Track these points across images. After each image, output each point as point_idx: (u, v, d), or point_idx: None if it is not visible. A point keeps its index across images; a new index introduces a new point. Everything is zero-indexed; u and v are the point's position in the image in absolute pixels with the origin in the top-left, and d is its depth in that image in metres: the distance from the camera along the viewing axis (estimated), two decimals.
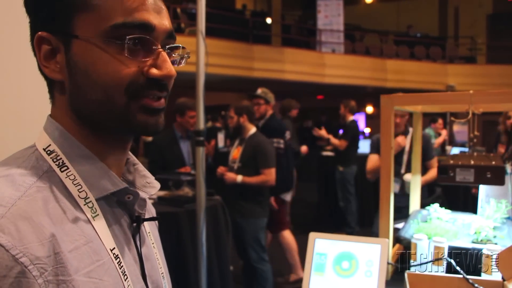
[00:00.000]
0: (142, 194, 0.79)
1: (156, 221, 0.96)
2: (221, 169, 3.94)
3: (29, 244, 0.60)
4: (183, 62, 0.79)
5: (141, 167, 0.85)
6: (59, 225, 0.65)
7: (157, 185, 0.84)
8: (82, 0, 0.69)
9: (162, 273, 0.85)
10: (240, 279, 4.13)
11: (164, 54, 0.73)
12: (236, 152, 4.00)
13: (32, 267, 0.60)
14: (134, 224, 0.79)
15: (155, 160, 4.21)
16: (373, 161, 3.89)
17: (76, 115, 0.74)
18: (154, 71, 0.71)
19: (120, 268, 0.71)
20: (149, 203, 0.94)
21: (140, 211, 0.79)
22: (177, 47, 0.77)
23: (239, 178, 3.81)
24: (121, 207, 0.77)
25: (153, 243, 0.86)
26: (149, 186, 0.83)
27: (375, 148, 3.87)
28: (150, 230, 0.88)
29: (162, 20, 0.73)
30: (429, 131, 5.72)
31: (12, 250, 0.59)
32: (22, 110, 1.43)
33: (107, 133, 0.75)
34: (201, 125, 3.08)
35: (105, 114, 0.72)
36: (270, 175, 3.86)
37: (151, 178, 0.85)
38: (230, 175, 3.84)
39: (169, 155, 4.15)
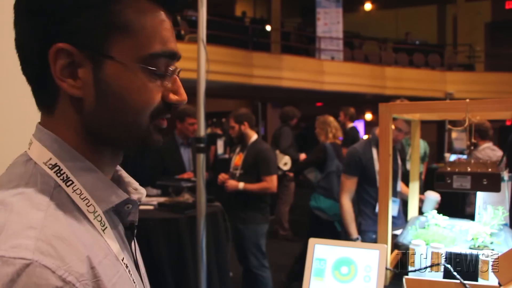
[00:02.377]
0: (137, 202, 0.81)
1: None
2: (222, 176, 3.96)
3: (71, 262, 0.60)
4: None
5: (124, 173, 0.85)
6: (83, 241, 0.65)
7: (143, 191, 0.84)
8: (123, 22, 0.68)
9: (143, 273, 0.86)
10: (239, 286, 4.14)
11: (178, 79, 0.76)
12: (237, 159, 4.02)
13: (79, 284, 0.60)
14: (129, 231, 0.81)
15: (155, 166, 4.22)
16: (350, 188, 3.22)
17: (88, 131, 0.72)
18: (174, 97, 0.75)
19: (131, 277, 0.73)
20: None
21: (133, 219, 0.81)
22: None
23: (241, 185, 3.83)
24: (116, 215, 0.78)
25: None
26: (137, 193, 0.83)
27: (353, 167, 3.21)
28: None
29: (176, 45, 0.75)
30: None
31: (58, 271, 0.59)
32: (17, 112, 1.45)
33: (115, 149, 0.77)
34: (202, 131, 3.10)
35: (128, 134, 0.73)
36: (271, 182, 3.88)
37: (135, 184, 0.85)
38: (231, 183, 3.86)
39: (170, 162, 4.17)
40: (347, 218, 3.19)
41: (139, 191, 0.83)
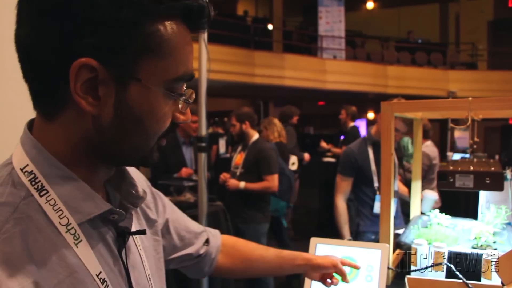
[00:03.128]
0: (128, 209, 0.78)
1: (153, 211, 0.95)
2: (224, 176, 3.96)
3: None
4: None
5: (127, 173, 0.82)
6: (40, 261, 0.62)
7: (144, 195, 0.82)
8: (156, 45, 0.66)
9: (148, 275, 0.84)
10: (241, 285, 4.14)
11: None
12: (239, 158, 4.02)
13: None
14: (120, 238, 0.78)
15: (158, 165, 4.22)
16: (345, 189, 3.17)
17: (87, 146, 0.69)
18: (181, 117, 0.74)
19: None
20: (149, 198, 0.95)
21: (126, 225, 0.77)
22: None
23: (242, 184, 3.82)
24: (105, 223, 0.74)
25: (139, 245, 0.84)
26: (134, 196, 0.80)
27: (349, 168, 3.15)
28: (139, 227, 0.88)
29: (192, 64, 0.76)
30: (407, 139, 5.70)
31: None
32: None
33: (112, 164, 0.76)
34: (203, 131, 3.10)
35: (133, 154, 0.72)
36: (272, 181, 3.88)
37: (137, 186, 0.82)
38: (232, 182, 3.86)
39: (172, 160, 4.16)
40: (340, 220, 3.16)
41: (138, 194, 0.81)
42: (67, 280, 0.64)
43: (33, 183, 0.66)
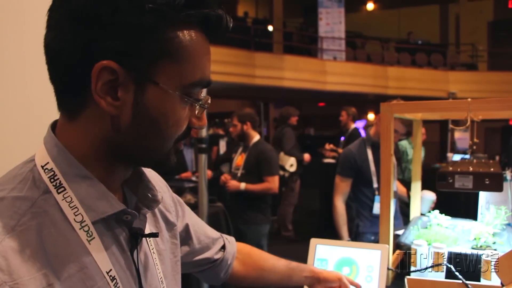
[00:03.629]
0: (143, 211, 0.80)
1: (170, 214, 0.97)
2: (224, 177, 3.96)
3: (20, 279, 0.60)
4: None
5: (146, 177, 0.85)
6: (53, 254, 0.65)
7: (159, 199, 0.84)
8: (175, 50, 0.68)
9: (160, 278, 0.85)
10: (241, 286, 4.14)
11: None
12: (239, 159, 4.02)
13: None
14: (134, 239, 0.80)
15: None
16: (344, 190, 3.18)
17: (106, 145, 0.72)
18: (197, 122, 0.77)
19: None
20: (166, 200, 0.97)
21: (139, 227, 0.79)
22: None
23: (243, 185, 3.83)
24: (119, 223, 0.76)
25: (152, 249, 0.86)
26: (150, 199, 0.83)
27: (348, 169, 3.15)
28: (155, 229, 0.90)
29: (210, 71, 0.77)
30: (405, 143, 5.70)
31: (1, 286, 0.58)
32: (30, 113, 1.46)
33: (130, 165, 0.78)
34: (203, 132, 3.11)
35: (149, 156, 0.74)
36: (273, 182, 3.88)
37: (154, 190, 0.84)
38: (233, 183, 3.86)
39: None
40: (339, 221, 3.16)
41: (154, 198, 0.83)
42: (77, 275, 0.67)
43: (52, 180, 0.69)
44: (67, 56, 0.67)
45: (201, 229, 1.15)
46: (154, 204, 0.83)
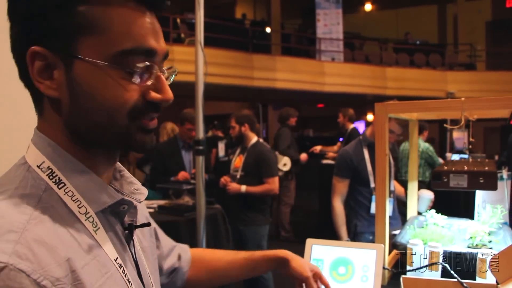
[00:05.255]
0: (133, 202, 0.81)
1: (149, 219, 0.98)
2: (224, 179, 3.96)
3: (48, 266, 0.61)
4: (171, 79, 0.80)
5: (127, 173, 0.86)
6: (68, 243, 0.67)
7: (145, 191, 0.85)
8: (89, 22, 0.68)
9: (148, 273, 0.87)
10: (240, 283, 4.14)
11: (163, 77, 0.75)
12: (238, 161, 4.02)
13: None
14: (127, 232, 0.82)
15: (157, 167, 4.26)
16: (342, 190, 3.17)
17: (70, 132, 0.73)
18: (155, 95, 0.74)
19: (125, 276, 0.74)
20: (142, 204, 0.96)
21: (132, 218, 0.82)
22: (169, 67, 0.79)
23: (243, 188, 3.83)
24: (113, 216, 0.79)
25: (137, 245, 0.87)
26: (138, 193, 0.84)
27: (345, 169, 3.16)
28: (139, 231, 0.90)
29: (160, 43, 0.74)
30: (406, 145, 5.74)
31: (32, 274, 0.59)
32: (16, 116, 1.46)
33: (101, 150, 0.77)
34: (201, 134, 3.11)
35: (105, 134, 0.73)
36: (273, 184, 3.88)
37: (138, 184, 0.86)
38: (233, 186, 3.86)
39: (171, 163, 4.18)
40: (338, 221, 3.16)
41: (140, 191, 0.84)
42: (92, 263, 0.69)
43: (51, 177, 0.71)
44: (16, 53, 0.72)
45: (162, 234, 1.13)
46: (141, 196, 0.84)
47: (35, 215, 0.66)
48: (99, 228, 0.73)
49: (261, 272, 1.28)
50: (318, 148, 6.87)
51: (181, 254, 1.18)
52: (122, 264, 0.75)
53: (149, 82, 0.73)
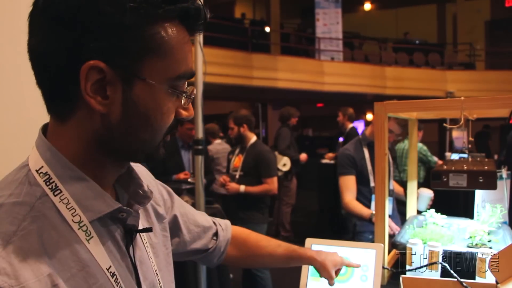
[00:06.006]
0: (135, 207, 0.83)
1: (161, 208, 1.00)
2: (223, 179, 3.96)
3: (26, 282, 0.62)
4: (192, 96, 0.82)
5: (135, 173, 0.86)
6: (55, 255, 0.67)
7: (150, 194, 0.86)
8: (157, 45, 0.70)
9: (155, 270, 0.87)
10: (240, 287, 4.14)
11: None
12: (237, 161, 4.02)
13: None
14: (130, 235, 0.82)
15: (156, 167, 4.24)
16: (350, 187, 3.09)
17: (99, 144, 0.73)
18: (185, 113, 0.78)
19: (117, 285, 0.74)
20: (155, 194, 0.96)
21: (133, 223, 0.82)
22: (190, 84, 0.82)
23: (242, 188, 3.83)
24: (114, 221, 0.79)
25: (146, 243, 0.88)
26: (142, 196, 0.85)
27: (349, 166, 3.12)
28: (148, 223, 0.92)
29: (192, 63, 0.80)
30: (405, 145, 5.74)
31: None
32: (24, 116, 1.46)
33: (123, 159, 0.79)
34: (200, 134, 3.10)
35: (141, 149, 0.76)
36: (272, 183, 3.88)
37: (144, 186, 0.86)
38: (232, 185, 3.86)
39: (170, 163, 4.18)
40: (355, 207, 2.99)
41: (145, 194, 0.85)
42: (79, 274, 0.69)
43: (48, 183, 0.71)
44: (53, 60, 0.69)
45: (191, 219, 1.16)
46: (146, 200, 0.85)
47: (23, 226, 0.66)
48: (92, 237, 0.73)
49: (293, 265, 1.38)
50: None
51: (219, 233, 1.24)
52: (115, 273, 0.75)
53: (183, 101, 0.78)
